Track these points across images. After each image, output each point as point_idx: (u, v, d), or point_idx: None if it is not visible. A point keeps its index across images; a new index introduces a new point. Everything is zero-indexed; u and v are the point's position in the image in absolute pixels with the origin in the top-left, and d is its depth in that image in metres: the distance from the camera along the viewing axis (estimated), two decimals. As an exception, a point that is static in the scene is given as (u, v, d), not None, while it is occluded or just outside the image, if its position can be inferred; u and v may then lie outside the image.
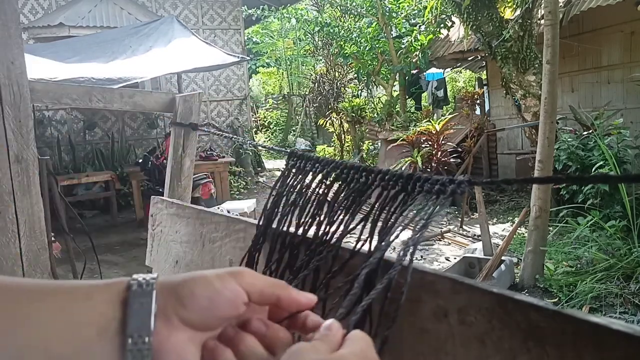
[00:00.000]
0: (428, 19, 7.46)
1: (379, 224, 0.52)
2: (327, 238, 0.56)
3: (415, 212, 0.49)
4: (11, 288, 0.37)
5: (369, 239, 0.51)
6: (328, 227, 0.57)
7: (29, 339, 0.34)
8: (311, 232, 0.60)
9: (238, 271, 0.40)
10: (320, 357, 0.35)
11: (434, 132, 6.23)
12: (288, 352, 0.35)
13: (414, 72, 8.69)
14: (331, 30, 8.77)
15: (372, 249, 0.50)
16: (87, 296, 0.37)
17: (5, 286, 0.37)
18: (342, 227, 0.56)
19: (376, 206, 0.53)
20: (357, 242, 0.53)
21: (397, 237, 0.49)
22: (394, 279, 0.45)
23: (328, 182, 0.63)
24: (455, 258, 4.45)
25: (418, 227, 0.46)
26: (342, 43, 8.71)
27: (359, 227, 0.54)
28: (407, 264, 0.46)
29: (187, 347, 0.38)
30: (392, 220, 0.50)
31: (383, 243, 0.48)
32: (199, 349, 0.38)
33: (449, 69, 10.19)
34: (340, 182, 0.60)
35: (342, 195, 0.58)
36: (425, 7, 7.30)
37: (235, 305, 0.38)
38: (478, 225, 4.80)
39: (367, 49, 8.42)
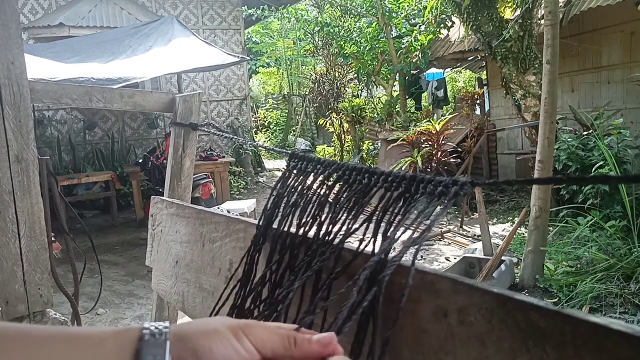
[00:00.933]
0: (428, 19, 7.46)
1: (382, 225, 0.51)
2: (329, 239, 0.56)
3: (417, 213, 0.49)
4: (19, 335, 0.36)
5: (372, 240, 0.51)
6: (330, 227, 0.57)
7: None
8: (312, 233, 0.60)
9: (250, 327, 0.40)
10: None
11: (434, 132, 6.23)
12: None
13: (414, 72, 8.69)
14: (331, 30, 8.77)
15: (376, 250, 0.50)
16: (99, 344, 0.37)
17: (13, 333, 0.36)
18: (344, 228, 0.56)
19: (379, 208, 0.53)
20: (360, 243, 0.53)
21: (399, 238, 0.49)
22: (384, 281, 0.45)
23: (329, 184, 0.63)
24: (455, 258, 4.45)
25: (421, 229, 0.46)
26: (342, 43, 8.71)
27: (362, 228, 0.54)
28: (410, 265, 0.46)
29: None
30: (394, 222, 0.50)
31: (384, 245, 0.48)
32: None
33: (449, 69, 10.20)
34: (342, 184, 0.60)
35: (344, 196, 0.58)
36: (425, 7, 7.30)
37: None
38: (478, 225, 4.80)
39: (367, 49, 8.43)
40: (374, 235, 0.51)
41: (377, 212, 0.53)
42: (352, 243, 0.54)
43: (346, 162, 0.61)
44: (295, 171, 0.68)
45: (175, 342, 0.37)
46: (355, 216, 0.56)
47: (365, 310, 0.46)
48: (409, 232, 0.48)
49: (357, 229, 0.55)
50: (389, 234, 0.49)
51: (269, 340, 0.40)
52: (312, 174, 0.65)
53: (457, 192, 0.47)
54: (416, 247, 0.46)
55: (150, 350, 0.36)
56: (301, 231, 0.61)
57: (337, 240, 0.56)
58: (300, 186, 0.66)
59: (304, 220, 0.62)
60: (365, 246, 0.52)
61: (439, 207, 0.48)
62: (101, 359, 0.36)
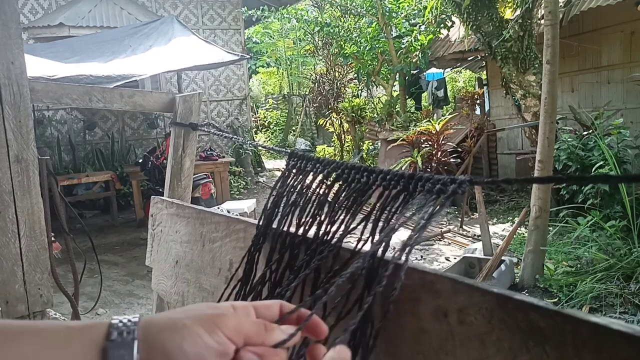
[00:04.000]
0: (428, 19, 7.46)
1: (380, 223, 0.51)
2: (328, 238, 0.56)
3: (415, 211, 0.48)
4: None
5: (370, 238, 0.51)
6: (329, 227, 0.57)
7: None
8: (312, 232, 0.60)
9: (222, 319, 0.38)
10: None
11: (434, 132, 6.23)
12: None
13: (414, 72, 8.69)
14: (331, 30, 8.77)
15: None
16: (66, 342, 0.35)
17: None
18: (343, 227, 0.56)
19: (377, 206, 0.53)
20: (358, 242, 0.53)
21: (393, 234, 0.49)
22: (382, 281, 0.45)
23: (329, 183, 0.63)
24: (455, 258, 4.45)
25: (418, 226, 0.46)
26: (342, 43, 8.71)
27: (360, 227, 0.54)
28: (403, 262, 0.46)
29: None
30: (392, 220, 0.50)
31: (377, 240, 0.48)
32: None
33: (449, 69, 10.20)
34: (341, 183, 0.60)
35: (343, 195, 0.58)
36: (425, 7, 7.30)
37: (224, 356, 0.37)
38: (478, 225, 4.80)
39: (367, 49, 8.43)
40: (372, 234, 0.51)
41: (375, 210, 0.53)
42: (352, 242, 0.54)
43: (345, 161, 0.61)
44: (294, 170, 0.68)
45: (144, 340, 0.36)
46: (353, 215, 0.56)
47: (365, 313, 0.46)
48: (406, 231, 0.48)
49: (355, 227, 0.55)
50: (385, 230, 0.49)
51: (242, 330, 0.39)
52: (312, 173, 0.65)
53: (456, 190, 0.47)
54: (411, 243, 0.46)
55: (117, 350, 0.35)
56: (301, 230, 0.61)
57: (335, 239, 0.56)
58: (299, 185, 0.66)
59: (303, 219, 0.62)
60: (364, 245, 0.52)
61: (437, 207, 0.48)
62: (69, 357, 0.35)
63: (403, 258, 0.46)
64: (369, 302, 0.44)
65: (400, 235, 0.50)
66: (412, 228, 0.48)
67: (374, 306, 0.46)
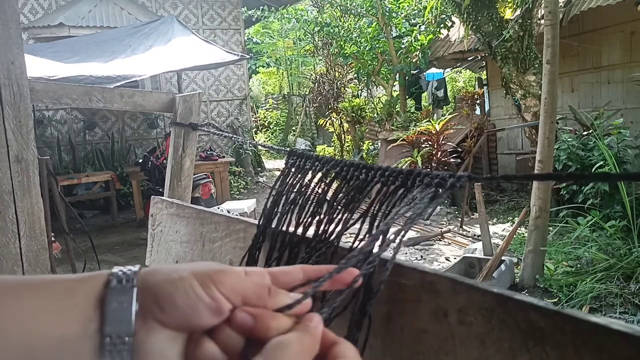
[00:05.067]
0: (428, 19, 7.47)
1: (378, 220, 0.51)
2: (327, 236, 0.56)
3: (412, 203, 0.48)
4: None
5: (367, 234, 0.51)
6: (328, 225, 0.57)
7: (10, 337, 0.33)
8: (311, 231, 0.60)
9: (219, 275, 0.37)
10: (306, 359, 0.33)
11: (434, 132, 6.23)
12: (270, 344, 0.33)
13: (414, 72, 8.69)
14: (331, 30, 8.77)
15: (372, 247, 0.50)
16: (68, 293, 0.36)
17: None
18: (341, 224, 0.56)
19: (375, 201, 0.53)
20: (356, 238, 0.53)
21: (390, 227, 0.48)
22: (367, 274, 0.44)
23: (328, 181, 0.63)
24: (455, 258, 4.45)
25: (414, 214, 0.46)
26: (342, 43, 8.72)
27: (358, 223, 0.54)
28: (393, 253, 0.46)
29: (167, 346, 0.36)
30: (389, 214, 0.50)
31: (375, 234, 0.48)
32: (181, 347, 0.36)
33: (449, 69, 10.20)
34: (340, 180, 0.60)
35: (342, 192, 0.58)
36: (425, 7, 7.31)
37: (218, 313, 0.36)
38: (478, 225, 4.80)
39: (367, 49, 8.43)
40: (370, 230, 0.51)
41: (373, 206, 0.53)
42: (349, 241, 0.54)
43: (344, 159, 0.61)
44: (294, 169, 0.68)
45: (141, 288, 0.36)
46: (351, 211, 0.56)
47: (357, 309, 0.46)
48: (399, 227, 0.47)
49: (353, 224, 0.55)
50: (381, 225, 0.49)
51: (241, 288, 0.37)
52: (311, 171, 0.65)
53: (454, 183, 0.47)
54: (400, 236, 0.46)
55: (116, 297, 0.35)
56: (300, 228, 0.62)
57: (333, 236, 0.56)
58: (299, 184, 0.66)
59: (302, 217, 0.62)
60: (361, 241, 0.52)
61: (435, 199, 0.48)
62: (70, 310, 0.35)
63: (397, 241, 0.45)
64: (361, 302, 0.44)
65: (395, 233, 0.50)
66: (401, 222, 0.47)
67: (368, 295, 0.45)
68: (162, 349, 0.36)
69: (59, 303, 0.35)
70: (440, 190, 0.47)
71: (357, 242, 0.53)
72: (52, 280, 0.37)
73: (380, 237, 0.46)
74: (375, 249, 0.46)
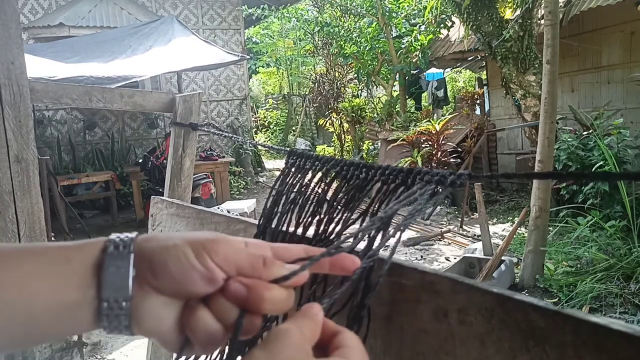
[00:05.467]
0: (428, 19, 7.47)
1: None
2: (327, 235, 0.56)
3: (411, 200, 0.48)
4: None
5: (366, 233, 0.51)
6: (328, 224, 0.57)
7: (12, 300, 0.34)
8: (311, 230, 0.60)
9: (213, 244, 0.37)
10: (306, 347, 0.33)
11: (434, 132, 6.23)
12: (271, 333, 0.33)
13: (414, 72, 8.69)
14: (331, 30, 8.77)
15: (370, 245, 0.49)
16: (66, 260, 0.36)
17: None
18: (341, 224, 0.56)
19: (375, 200, 0.53)
20: (355, 237, 0.53)
21: (389, 226, 0.48)
22: (367, 268, 0.44)
23: (328, 180, 0.63)
24: (455, 258, 4.45)
25: (413, 213, 0.46)
26: (342, 43, 8.72)
27: (358, 223, 0.54)
28: (393, 246, 0.46)
29: (163, 311, 0.36)
30: (392, 206, 0.50)
31: (372, 220, 0.48)
32: (177, 313, 0.37)
33: (449, 69, 10.20)
34: (340, 179, 0.60)
35: (342, 191, 0.58)
36: (425, 7, 7.31)
37: (211, 282, 0.36)
38: (478, 225, 4.80)
39: (367, 49, 8.43)
40: (372, 225, 0.51)
41: (373, 205, 0.53)
42: (349, 240, 0.54)
43: (344, 158, 0.61)
44: (293, 169, 0.68)
45: (137, 254, 0.36)
46: (351, 210, 0.56)
47: (355, 304, 0.46)
48: (407, 231, 0.47)
49: (353, 222, 0.55)
50: (379, 213, 0.49)
51: (234, 258, 0.37)
52: (311, 170, 0.65)
53: (454, 180, 0.47)
54: (400, 231, 0.46)
55: (113, 262, 0.36)
56: (300, 228, 0.62)
57: (333, 235, 0.56)
58: (299, 183, 0.66)
59: (302, 217, 0.62)
60: (359, 240, 0.52)
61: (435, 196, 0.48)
62: (68, 276, 0.35)
63: (395, 237, 0.45)
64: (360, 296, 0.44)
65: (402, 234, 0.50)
66: (410, 225, 0.47)
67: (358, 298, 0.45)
68: (157, 313, 0.36)
69: (57, 269, 0.36)
70: (440, 187, 0.47)
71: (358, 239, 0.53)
72: (51, 247, 0.37)
73: (379, 225, 0.46)
74: (376, 244, 0.46)
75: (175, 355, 0.39)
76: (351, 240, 0.46)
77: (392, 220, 0.49)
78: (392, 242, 0.46)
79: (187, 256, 0.36)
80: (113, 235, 0.38)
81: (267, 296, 0.36)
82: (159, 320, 0.36)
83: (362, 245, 0.50)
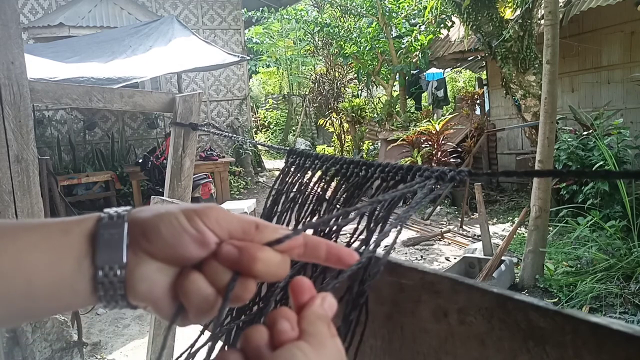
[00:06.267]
0: (428, 19, 7.47)
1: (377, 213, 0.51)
2: (326, 233, 0.56)
3: (411, 195, 0.48)
4: None
5: (365, 229, 0.51)
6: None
7: (9, 272, 0.34)
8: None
9: (205, 209, 0.37)
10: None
11: (434, 132, 6.23)
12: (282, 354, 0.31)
13: (414, 72, 8.69)
14: (331, 31, 8.78)
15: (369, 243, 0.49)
16: (64, 232, 0.37)
17: None
18: (340, 220, 0.56)
19: (375, 197, 0.53)
20: (354, 233, 0.53)
21: (386, 224, 0.48)
22: (364, 264, 0.44)
23: (327, 178, 0.63)
24: (455, 258, 4.45)
25: (413, 206, 0.46)
26: (342, 43, 8.72)
27: (357, 219, 0.54)
28: (389, 245, 0.46)
29: (157, 276, 0.37)
30: (390, 206, 0.50)
31: (364, 204, 0.47)
32: (171, 279, 0.37)
33: (449, 69, 10.20)
34: (339, 177, 0.60)
35: (342, 189, 0.58)
36: (425, 7, 7.31)
37: (203, 245, 0.36)
38: (478, 225, 4.80)
39: (367, 49, 8.43)
40: (368, 225, 0.51)
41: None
42: (347, 237, 0.54)
43: (344, 157, 0.61)
44: (293, 168, 0.68)
45: (130, 222, 0.37)
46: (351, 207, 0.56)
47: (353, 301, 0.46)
48: (406, 230, 0.47)
49: (352, 219, 0.55)
50: (379, 220, 0.49)
51: (226, 222, 0.37)
52: (311, 169, 0.65)
53: (454, 176, 0.47)
54: (403, 219, 0.46)
55: (107, 230, 0.36)
56: (300, 226, 0.62)
57: (333, 233, 0.56)
58: (298, 182, 0.66)
59: (302, 215, 0.62)
60: (358, 236, 0.52)
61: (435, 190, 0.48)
62: (65, 248, 0.36)
63: (393, 233, 0.45)
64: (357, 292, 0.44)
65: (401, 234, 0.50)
66: (410, 225, 0.47)
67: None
68: (151, 279, 0.36)
69: (54, 241, 0.36)
70: (440, 183, 0.48)
71: (354, 238, 0.53)
72: (47, 222, 0.38)
73: (373, 222, 0.46)
74: (374, 239, 0.46)
75: (175, 357, 0.39)
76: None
77: (390, 218, 0.49)
78: (391, 237, 0.46)
79: (179, 220, 0.36)
80: (107, 209, 0.39)
81: (260, 256, 0.36)
82: (152, 286, 0.37)
83: (360, 246, 0.50)
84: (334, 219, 0.43)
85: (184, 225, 0.36)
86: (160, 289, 0.37)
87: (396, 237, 0.46)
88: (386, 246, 0.47)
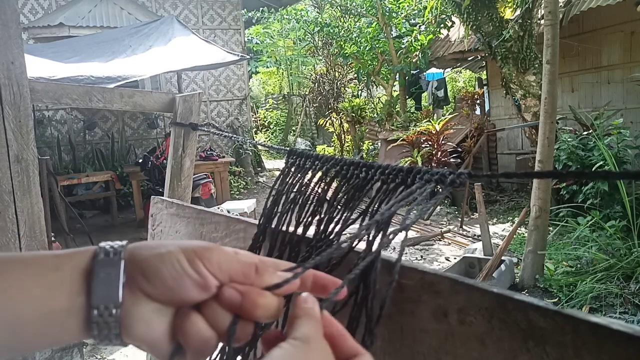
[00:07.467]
0: (428, 19, 7.47)
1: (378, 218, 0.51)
2: (327, 235, 0.56)
3: (411, 198, 0.48)
4: None
5: (367, 233, 0.51)
6: (328, 224, 0.57)
7: None
8: (311, 230, 0.60)
9: (206, 251, 0.37)
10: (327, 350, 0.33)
11: (434, 132, 6.23)
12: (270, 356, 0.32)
13: (414, 72, 8.69)
14: (331, 31, 8.78)
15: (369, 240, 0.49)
16: (56, 267, 0.36)
17: None
18: (341, 223, 0.56)
19: (375, 200, 0.53)
20: (355, 237, 0.53)
21: (389, 223, 0.48)
22: (366, 262, 0.44)
23: (328, 180, 0.63)
24: (455, 258, 4.45)
25: (416, 216, 0.46)
26: (342, 43, 8.72)
27: (358, 221, 0.54)
28: (398, 256, 0.46)
29: (154, 318, 0.36)
30: (392, 208, 0.50)
31: (367, 223, 0.48)
32: (169, 320, 0.37)
33: (449, 69, 10.20)
34: (340, 179, 0.60)
35: (342, 191, 0.58)
36: (425, 7, 7.31)
37: (204, 289, 0.36)
38: (478, 225, 4.80)
39: (367, 49, 8.43)
40: (369, 228, 0.51)
41: (373, 204, 0.53)
42: (349, 240, 0.54)
43: (344, 158, 0.61)
44: (293, 168, 0.68)
45: (128, 260, 0.36)
46: (352, 210, 0.56)
47: (358, 300, 0.46)
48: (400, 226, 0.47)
49: (353, 222, 0.55)
50: (377, 215, 0.49)
51: (227, 266, 0.37)
52: (311, 170, 0.65)
53: (454, 179, 0.47)
54: (406, 227, 0.46)
55: (104, 268, 0.35)
56: (300, 228, 0.62)
57: (333, 235, 0.56)
58: (299, 183, 0.66)
59: (302, 216, 0.62)
60: (360, 239, 0.52)
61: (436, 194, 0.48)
62: (56, 284, 0.35)
63: (398, 238, 0.45)
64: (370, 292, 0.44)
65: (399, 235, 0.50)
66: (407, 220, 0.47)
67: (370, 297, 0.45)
68: (148, 320, 0.36)
69: (46, 277, 0.35)
70: (440, 186, 0.47)
71: (356, 241, 0.53)
72: (40, 255, 0.37)
73: (376, 226, 0.46)
74: (374, 247, 0.46)
75: None
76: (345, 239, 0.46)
77: (392, 221, 0.49)
78: (396, 241, 0.46)
79: (180, 262, 0.36)
80: (103, 243, 0.38)
81: (261, 303, 0.36)
82: (150, 327, 0.36)
83: (361, 247, 0.50)
84: (334, 251, 0.43)
85: (185, 268, 0.36)
86: (157, 331, 0.36)
87: (403, 246, 0.46)
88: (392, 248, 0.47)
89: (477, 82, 9.74)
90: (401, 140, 6.50)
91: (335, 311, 0.46)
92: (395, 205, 0.47)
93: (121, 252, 0.37)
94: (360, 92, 11.76)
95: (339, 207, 0.57)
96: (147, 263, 0.36)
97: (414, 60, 8.11)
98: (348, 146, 10.12)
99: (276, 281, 0.38)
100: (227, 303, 0.36)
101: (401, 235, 0.46)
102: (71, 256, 0.37)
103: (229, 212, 4.28)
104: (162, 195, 1.29)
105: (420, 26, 7.82)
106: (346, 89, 12.09)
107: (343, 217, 0.56)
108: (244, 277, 0.38)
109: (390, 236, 0.46)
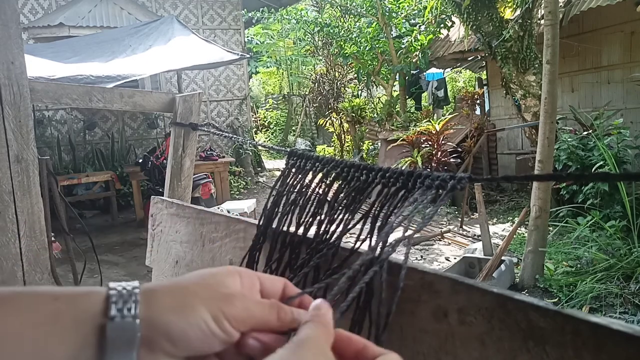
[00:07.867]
0: (428, 19, 7.47)
1: (379, 222, 0.51)
2: (328, 237, 0.56)
3: (413, 207, 0.48)
4: None
5: (369, 236, 0.51)
6: (328, 225, 0.57)
7: None
8: (312, 231, 0.60)
9: (231, 305, 0.37)
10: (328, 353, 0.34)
11: (434, 132, 6.23)
12: (290, 345, 0.33)
13: (414, 72, 8.69)
14: (331, 31, 8.77)
15: (371, 245, 0.50)
16: (53, 317, 0.32)
17: None
18: (342, 226, 0.56)
19: (376, 203, 0.53)
20: (357, 240, 0.53)
21: (392, 232, 0.48)
22: (374, 271, 0.44)
23: (328, 181, 0.63)
24: (455, 258, 4.45)
25: (416, 224, 0.46)
26: (342, 43, 8.72)
27: (359, 225, 0.54)
28: (403, 261, 0.46)
29: None
30: (391, 217, 0.50)
31: (378, 239, 0.48)
32: None
33: (449, 69, 10.20)
34: (340, 181, 0.60)
35: (343, 193, 0.58)
36: (425, 7, 7.31)
37: (228, 343, 0.37)
38: (478, 225, 4.80)
39: (367, 49, 8.43)
40: (371, 232, 0.51)
41: (374, 208, 0.53)
42: (351, 242, 0.54)
43: (345, 159, 0.61)
44: (294, 169, 0.68)
45: (146, 319, 0.34)
46: (352, 212, 0.56)
47: (361, 305, 0.46)
48: (402, 229, 0.48)
49: (354, 225, 0.55)
50: (384, 229, 0.49)
51: (250, 318, 0.37)
52: (311, 171, 0.65)
53: (455, 185, 0.47)
54: (408, 243, 0.46)
55: (118, 332, 0.33)
56: (301, 229, 0.61)
57: (334, 237, 0.56)
58: (299, 184, 0.66)
59: (303, 218, 0.62)
60: (362, 243, 0.52)
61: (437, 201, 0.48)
62: (55, 336, 0.32)
63: (403, 251, 0.45)
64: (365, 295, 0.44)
65: (399, 234, 0.50)
66: (410, 226, 0.47)
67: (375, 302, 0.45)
68: None
69: (42, 329, 0.32)
70: (441, 192, 0.47)
71: (358, 243, 0.53)
72: (37, 298, 0.34)
73: (381, 243, 0.46)
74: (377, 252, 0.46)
75: None
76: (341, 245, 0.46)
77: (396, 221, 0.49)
78: (400, 248, 0.47)
79: (207, 324, 0.35)
80: (112, 290, 0.35)
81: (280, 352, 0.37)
82: None
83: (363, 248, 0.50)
84: (337, 289, 0.43)
85: (213, 329, 0.36)
86: None
87: (407, 251, 0.46)
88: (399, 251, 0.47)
89: (477, 82, 9.74)
90: (401, 140, 6.50)
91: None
92: (401, 217, 0.48)
93: (136, 307, 0.34)
94: (360, 92, 11.76)
95: (339, 209, 0.57)
96: (171, 327, 0.35)
97: (414, 60, 8.11)
98: (348, 146, 10.12)
99: (293, 323, 0.39)
100: (248, 352, 0.37)
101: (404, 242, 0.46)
102: (75, 302, 0.34)
103: (229, 212, 4.28)
104: (162, 195, 1.29)
105: (420, 26, 7.82)
106: (346, 89, 12.09)
107: (344, 219, 0.56)
108: (265, 325, 0.38)
109: (394, 244, 0.47)
